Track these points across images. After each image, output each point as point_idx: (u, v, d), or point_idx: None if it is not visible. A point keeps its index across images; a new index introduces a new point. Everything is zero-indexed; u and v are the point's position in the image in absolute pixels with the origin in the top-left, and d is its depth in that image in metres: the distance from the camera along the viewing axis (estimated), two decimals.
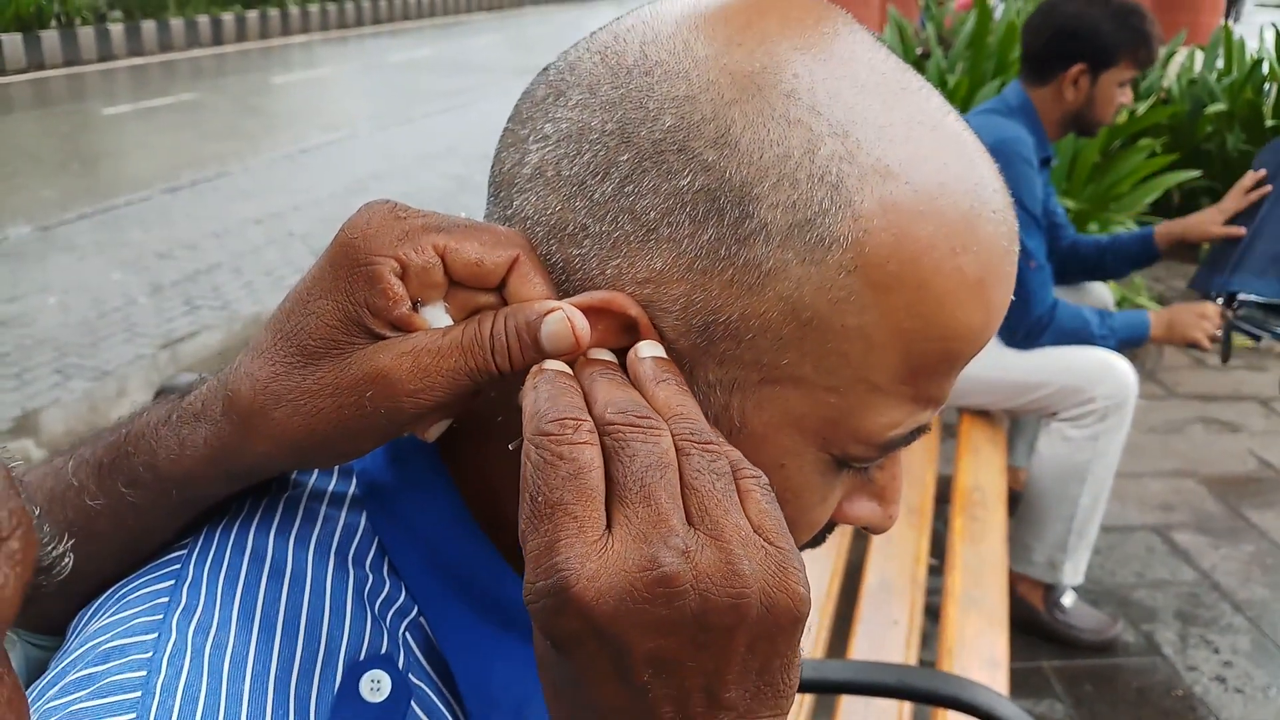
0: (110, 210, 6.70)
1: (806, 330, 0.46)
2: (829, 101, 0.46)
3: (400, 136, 9.19)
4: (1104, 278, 2.77)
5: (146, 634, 0.47)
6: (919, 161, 0.46)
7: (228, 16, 15.67)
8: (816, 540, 0.56)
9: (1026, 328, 2.34)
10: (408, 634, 0.52)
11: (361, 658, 0.49)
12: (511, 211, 0.50)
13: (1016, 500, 2.51)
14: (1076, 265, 2.59)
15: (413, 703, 0.50)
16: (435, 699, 0.51)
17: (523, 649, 0.52)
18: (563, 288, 0.48)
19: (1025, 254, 2.27)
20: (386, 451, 0.55)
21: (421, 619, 0.53)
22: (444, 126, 9.43)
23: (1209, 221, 2.45)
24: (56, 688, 0.45)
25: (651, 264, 0.46)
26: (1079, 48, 2.29)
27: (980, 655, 1.67)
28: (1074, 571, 2.44)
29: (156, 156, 8.35)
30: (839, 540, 2.00)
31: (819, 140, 0.45)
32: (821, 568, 1.90)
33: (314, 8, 17.52)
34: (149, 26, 14.32)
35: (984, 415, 2.51)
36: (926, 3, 6.77)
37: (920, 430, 0.51)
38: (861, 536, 2.09)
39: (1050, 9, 2.37)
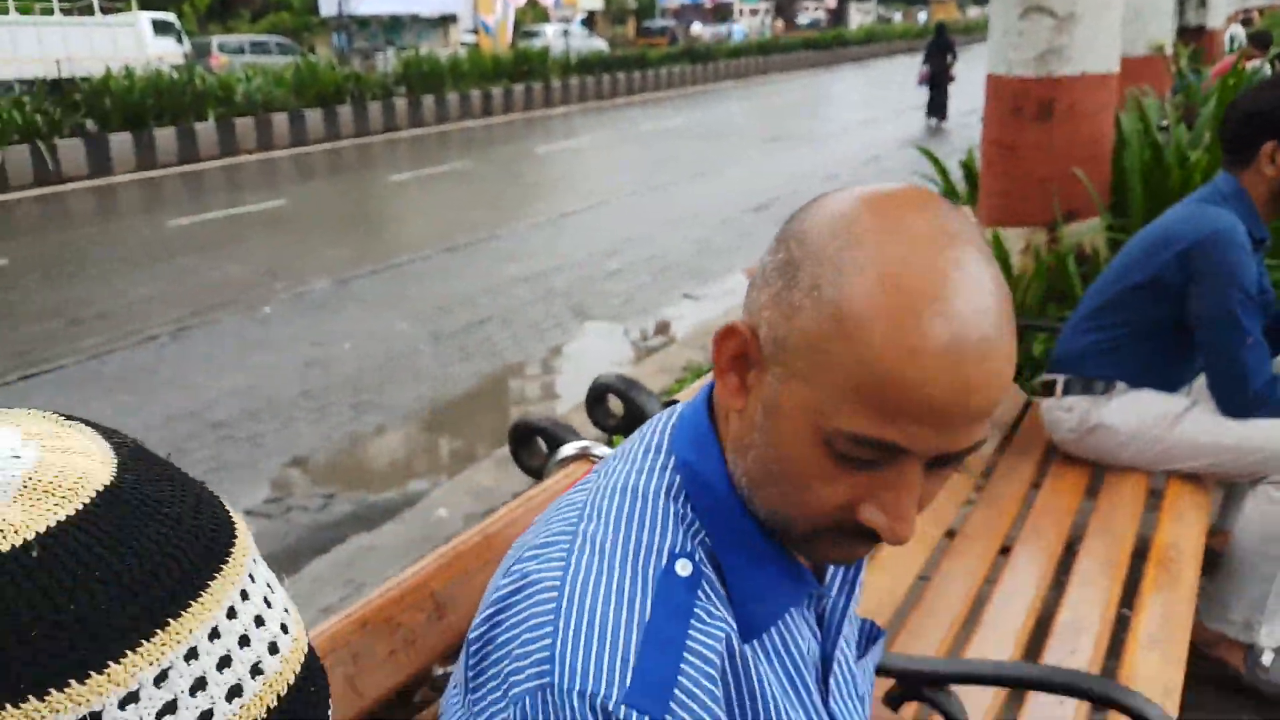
0: (395, 267, 7.55)
1: (812, 351, 0.73)
2: (862, 232, 0.74)
3: (650, 202, 9.80)
4: None
5: (565, 533, 0.83)
6: (895, 270, 0.71)
7: (496, 90, 16.98)
8: (842, 537, 0.79)
9: (1243, 402, 2.47)
10: (699, 546, 0.82)
11: (676, 551, 0.80)
12: None
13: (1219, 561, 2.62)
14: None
15: (703, 581, 0.80)
16: (717, 585, 0.82)
17: (771, 570, 0.83)
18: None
19: (1243, 332, 2.43)
20: (691, 440, 0.86)
21: (707, 539, 0.83)
22: (690, 193, 9.99)
23: None
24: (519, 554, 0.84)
25: (761, 300, 0.77)
26: (1267, 125, 2.42)
27: (1154, 686, 1.86)
28: (1271, 634, 2.51)
29: (434, 219, 9.27)
30: (1037, 581, 2.22)
31: (846, 248, 0.73)
32: (1017, 607, 2.13)
33: (574, 81, 18.69)
34: (428, 100, 15.74)
35: (1193, 479, 2.64)
36: (1179, 71, 6.70)
37: (886, 447, 0.72)
38: (1059, 584, 2.30)
39: (1235, 102, 2.53)
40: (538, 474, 1.32)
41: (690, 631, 0.78)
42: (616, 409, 1.45)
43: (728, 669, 0.79)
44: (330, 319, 6.36)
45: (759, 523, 0.83)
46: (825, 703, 0.92)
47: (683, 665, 0.76)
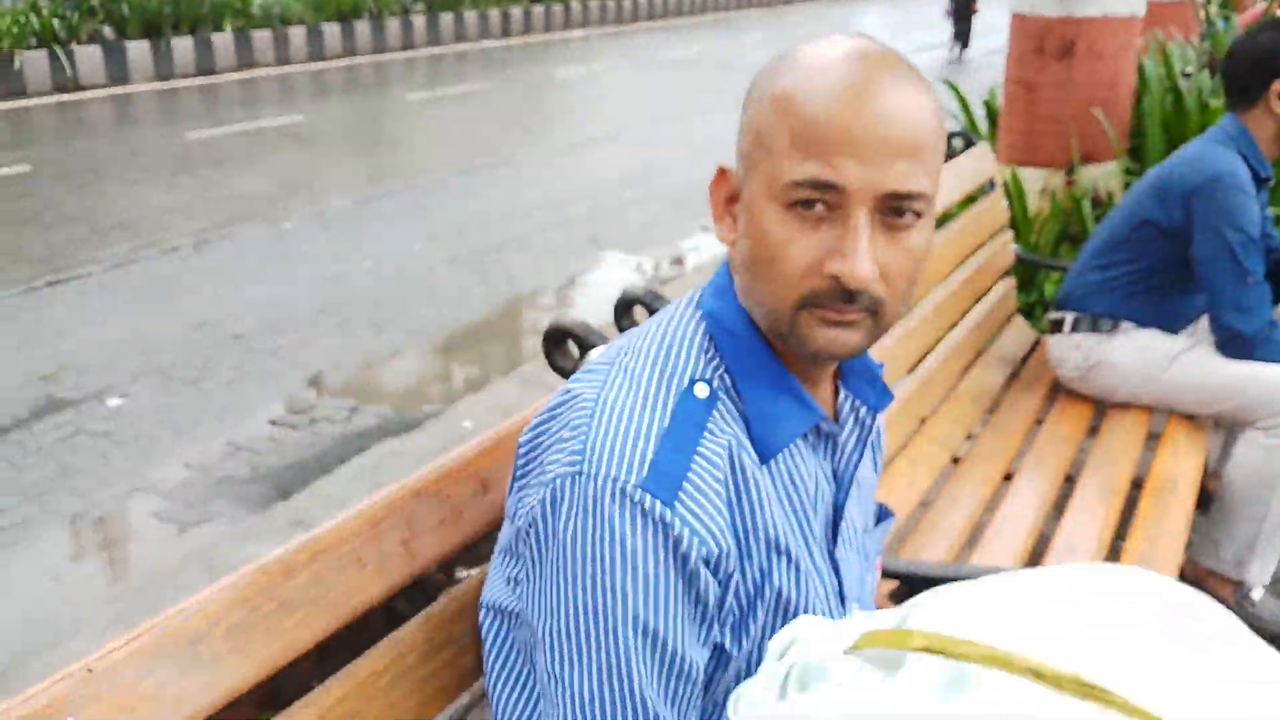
0: (413, 188, 7.59)
1: (760, 137, 0.91)
2: (786, 61, 0.93)
3: (669, 132, 9.80)
4: None
5: (606, 363, 0.99)
6: (812, 61, 0.91)
7: (516, 10, 16.81)
8: (820, 309, 0.92)
9: (1242, 342, 2.56)
10: (719, 377, 0.97)
11: (696, 376, 0.95)
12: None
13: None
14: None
15: (718, 403, 0.95)
16: (733, 409, 0.96)
17: (784, 399, 0.97)
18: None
19: (1244, 272, 2.50)
20: (714, 292, 1.01)
21: (727, 374, 0.98)
22: (709, 122, 9.96)
23: None
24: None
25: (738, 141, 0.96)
26: (1273, 67, 2.46)
27: None
28: (1261, 571, 2.63)
29: (452, 141, 9.29)
30: (1037, 506, 2.34)
31: (766, 77, 0.94)
32: (1018, 528, 2.25)
33: (594, 3, 18.48)
34: (447, 19, 15.60)
35: (1190, 419, 2.75)
36: (1207, 18, 6.66)
37: (825, 186, 0.87)
38: (1059, 509, 2.41)
39: (1239, 43, 2.57)
40: (568, 374, 1.42)
41: (702, 438, 0.92)
42: (642, 319, 1.55)
43: (729, 475, 0.93)
44: (349, 237, 6.44)
45: (773, 357, 0.98)
46: (832, 548, 1.04)
47: (693, 464, 0.90)
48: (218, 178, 7.73)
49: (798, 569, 0.98)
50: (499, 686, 1.02)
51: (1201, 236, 2.52)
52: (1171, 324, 2.74)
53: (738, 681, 0.95)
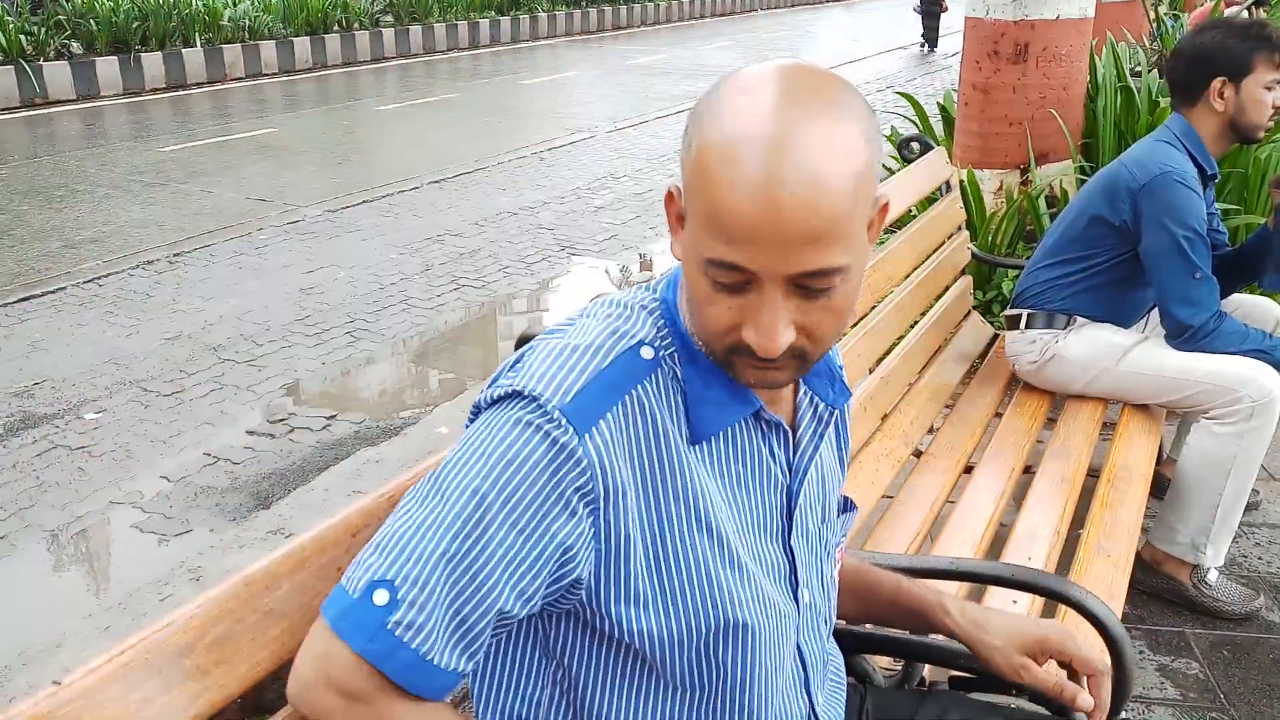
0: (386, 197, 7.64)
1: (690, 193, 0.90)
2: (715, 98, 0.91)
3: (635, 137, 9.88)
4: (1248, 279, 2.92)
5: (569, 322, 1.05)
6: (730, 126, 0.87)
7: (484, 22, 16.87)
8: (743, 358, 0.94)
9: (1190, 334, 2.64)
10: (665, 351, 1.00)
11: (644, 340, 0.99)
12: None
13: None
14: (1227, 273, 2.84)
15: (658, 369, 0.99)
16: (673, 385, 1.00)
17: (720, 386, 1.00)
18: None
19: (1192, 267, 2.59)
20: (671, 283, 1.05)
21: (674, 354, 1.00)
22: (674, 129, 10.05)
23: None
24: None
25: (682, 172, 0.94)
26: (1213, 65, 2.54)
27: (1101, 588, 2.06)
28: (1215, 555, 2.72)
29: (423, 150, 9.33)
30: (997, 497, 2.42)
31: (704, 112, 0.90)
32: (978, 519, 2.33)
33: (560, 13, 18.56)
34: (416, 30, 15.65)
35: (1144, 409, 2.84)
36: (1157, 18, 6.80)
37: (734, 268, 0.87)
38: (1018, 500, 2.49)
39: (1182, 43, 2.65)
40: None
41: (632, 390, 0.97)
42: None
43: (647, 433, 0.97)
44: (323, 246, 6.48)
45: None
46: (787, 537, 1.09)
47: (614, 407, 0.95)
48: (191, 190, 7.74)
49: (730, 551, 1.01)
50: (479, 679, 1.07)
51: (1150, 233, 2.60)
52: (1123, 318, 2.82)
53: (607, 655, 1.02)
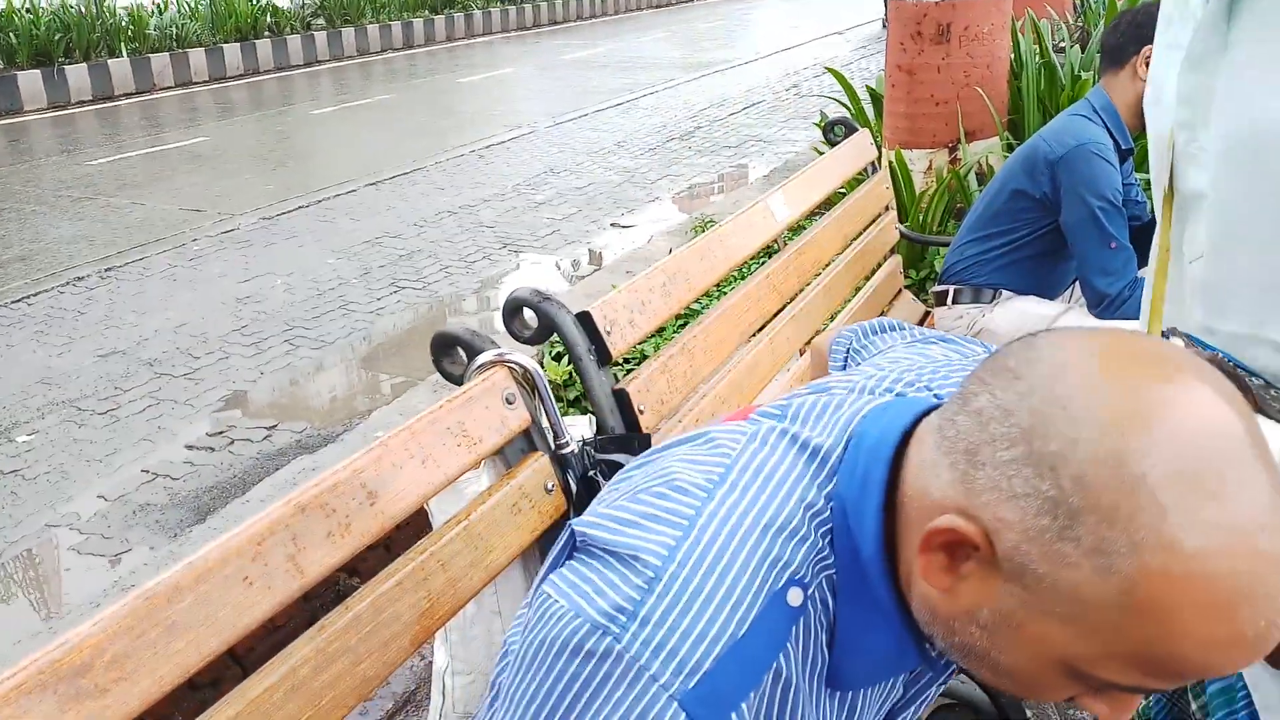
0: (322, 202, 7.56)
1: (1083, 608, 0.64)
2: (1160, 485, 0.61)
3: (574, 131, 9.85)
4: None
5: (702, 487, 0.81)
6: (1208, 558, 0.60)
7: (418, 21, 16.74)
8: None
9: (1108, 303, 2.69)
10: (822, 580, 0.78)
11: (795, 577, 0.76)
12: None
13: None
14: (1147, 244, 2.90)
15: (805, 616, 0.77)
16: (820, 626, 0.78)
17: (882, 642, 0.78)
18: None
19: (1108, 237, 2.64)
20: (861, 482, 0.78)
21: (833, 579, 0.78)
22: (613, 122, 10.04)
23: None
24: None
25: (1003, 514, 0.66)
26: (1148, 32, 2.55)
27: None
28: None
29: (359, 152, 9.24)
30: None
31: (1140, 511, 0.61)
32: None
33: (495, 10, 18.46)
34: (349, 32, 15.48)
35: None
36: None
37: (1120, 688, 0.68)
38: None
39: (1124, 10, 2.71)
40: (459, 380, 1.46)
41: (774, 663, 0.76)
42: (531, 321, 1.60)
43: (768, 691, 0.77)
44: (259, 255, 6.39)
45: (893, 594, 0.78)
46: None
47: (750, 695, 0.74)
48: (121, 203, 7.61)
49: None
50: None
51: (1068, 204, 2.65)
52: (1048, 290, 2.87)
53: None
